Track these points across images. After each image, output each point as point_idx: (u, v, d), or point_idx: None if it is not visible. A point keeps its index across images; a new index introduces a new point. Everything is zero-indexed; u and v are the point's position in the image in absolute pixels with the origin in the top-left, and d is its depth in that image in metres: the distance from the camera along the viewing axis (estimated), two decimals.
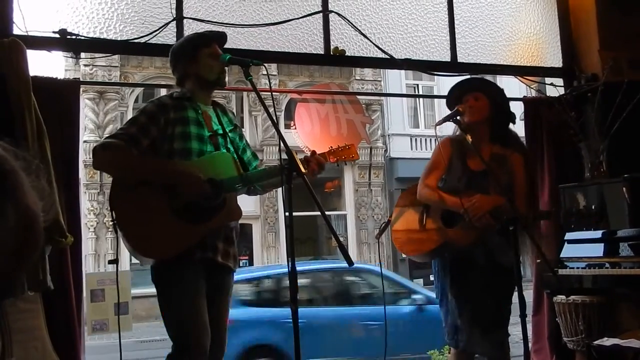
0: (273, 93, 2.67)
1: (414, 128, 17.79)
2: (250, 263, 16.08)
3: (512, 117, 3.27)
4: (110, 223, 2.59)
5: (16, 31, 3.13)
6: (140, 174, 2.55)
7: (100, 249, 14.15)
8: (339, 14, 3.94)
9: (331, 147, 2.85)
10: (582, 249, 3.65)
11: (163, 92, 9.31)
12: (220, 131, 2.75)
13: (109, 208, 2.56)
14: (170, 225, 2.51)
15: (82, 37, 3.37)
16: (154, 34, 3.48)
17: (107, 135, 2.74)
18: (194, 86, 2.75)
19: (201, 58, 2.71)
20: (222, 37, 2.86)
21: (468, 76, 4.07)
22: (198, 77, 2.73)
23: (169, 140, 2.61)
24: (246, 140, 2.95)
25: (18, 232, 0.74)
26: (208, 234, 2.56)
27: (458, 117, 3.04)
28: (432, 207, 3.20)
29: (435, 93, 15.87)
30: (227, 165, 2.64)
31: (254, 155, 2.92)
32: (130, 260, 10.02)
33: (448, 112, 3.19)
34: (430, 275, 3.54)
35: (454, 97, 3.27)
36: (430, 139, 16.53)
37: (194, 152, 2.62)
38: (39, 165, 0.82)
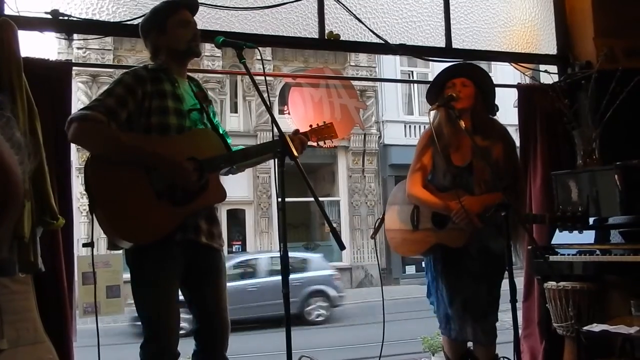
0: (267, 78, 2.61)
1: (408, 115, 17.80)
2: (244, 248, 16.12)
3: (494, 109, 3.20)
4: (86, 202, 2.46)
5: (7, 11, 3.09)
6: (119, 153, 2.41)
7: (95, 233, 14.10)
8: None
9: (311, 125, 2.74)
10: (573, 235, 3.67)
11: None
12: (198, 106, 2.63)
13: (83, 187, 2.42)
14: (151, 207, 2.39)
15: (75, 18, 3.33)
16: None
17: (82, 107, 2.50)
18: (167, 58, 2.61)
19: (170, 28, 2.58)
20: (190, 3, 2.70)
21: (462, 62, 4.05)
22: (169, 49, 2.61)
23: (145, 114, 2.47)
24: (218, 118, 2.81)
25: None
26: (190, 215, 2.47)
27: (452, 102, 2.99)
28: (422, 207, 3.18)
29: (430, 80, 15.83)
30: (210, 142, 2.54)
31: (225, 133, 2.77)
32: None
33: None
34: (423, 262, 3.56)
35: (439, 83, 3.19)
36: (424, 126, 16.50)
37: (172, 128, 2.49)
38: (10, 117, 0.80)
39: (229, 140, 2.75)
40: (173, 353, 2.48)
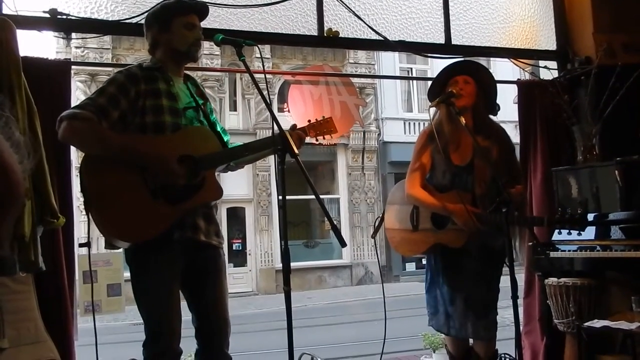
0: (266, 75, 2.59)
1: (407, 112, 17.79)
2: (244, 247, 16.12)
3: (495, 108, 3.18)
4: (81, 202, 2.37)
5: (6, 10, 3.09)
6: (108, 151, 2.38)
7: (93, 233, 14.10)
8: None
9: (309, 120, 2.71)
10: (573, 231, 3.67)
11: None
12: (194, 104, 2.60)
13: (79, 187, 2.39)
14: (147, 206, 2.37)
15: (73, 17, 3.33)
16: (146, 14, 3.43)
17: (73, 105, 2.50)
18: (164, 56, 2.59)
19: (174, 27, 2.56)
20: (202, 9, 2.68)
21: (461, 58, 4.04)
22: (169, 47, 2.58)
23: (140, 113, 2.45)
24: (215, 116, 2.80)
25: None
26: (187, 213, 2.45)
27: (452, 99, 2.99)
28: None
29: (429, 76, 15.81)
30: (206, 139, 2.52)
31: (223, 130, 2.76)
32: None
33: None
34: (423, 259, 3.55)
35: (441, 80, 3.17)
36: (424, 123, 16.52)
37: (168, 126, 2.47)
38: (9, 117, 0.79)
39: (227, 138, 2.74)
40: (175, 351, 2.47)
